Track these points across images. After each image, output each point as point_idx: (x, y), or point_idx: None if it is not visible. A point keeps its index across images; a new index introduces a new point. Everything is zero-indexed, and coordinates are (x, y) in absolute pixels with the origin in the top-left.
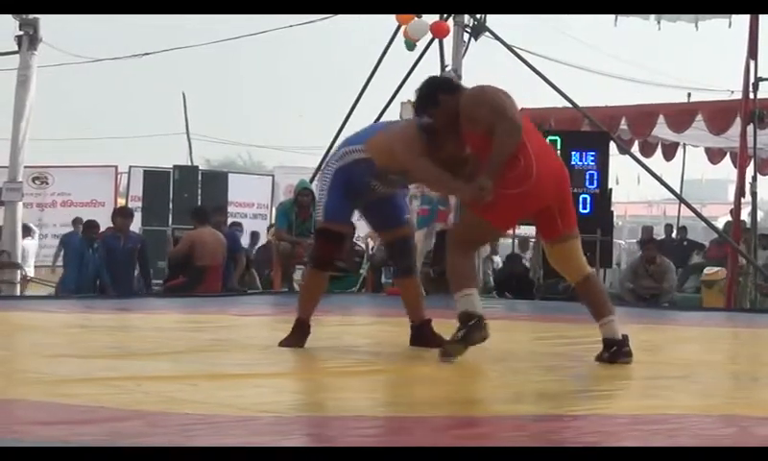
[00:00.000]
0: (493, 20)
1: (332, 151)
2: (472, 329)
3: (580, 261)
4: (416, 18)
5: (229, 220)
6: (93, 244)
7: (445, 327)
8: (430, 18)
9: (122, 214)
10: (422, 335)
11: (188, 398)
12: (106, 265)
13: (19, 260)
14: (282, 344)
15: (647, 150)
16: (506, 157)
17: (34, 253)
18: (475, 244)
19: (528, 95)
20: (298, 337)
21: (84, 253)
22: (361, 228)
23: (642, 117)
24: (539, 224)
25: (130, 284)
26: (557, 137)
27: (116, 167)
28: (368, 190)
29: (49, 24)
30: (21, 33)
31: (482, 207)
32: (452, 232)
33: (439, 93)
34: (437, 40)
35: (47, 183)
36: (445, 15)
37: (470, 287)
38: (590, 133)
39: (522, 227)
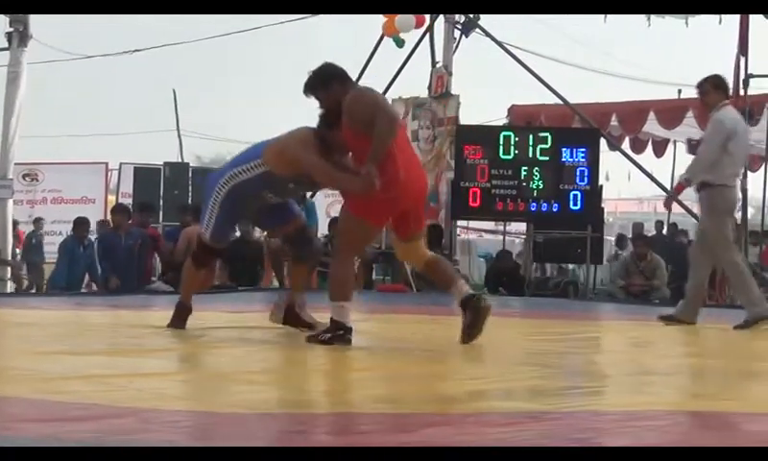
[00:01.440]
0: (484, 17)
1: (218, 170)
2: (338, 338)
3: (421, 251)
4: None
5: None
6: (84, 241)
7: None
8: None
9: (119, 212)
10: (291, 316)
11: (180, 395)
12: (107, 262)
13: (9, 257)
14: (169, 325)
15: (638, 146)
16: (385, 148)
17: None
18: (360, 247)
19: (519, 91)
20: (181, 319)
21: (74, 250)
22: None
23: (633, 114)
24: (396, 224)
25: (132, 281)
26: (547, 134)
27: (107, 164)
28: (260, 201)
29: (39, 21)
30: (11, 29)
31: (361, 210)
32: (337, 241)
33: (334, 80)
34: (427, 37)
35: (37, 181)
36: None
37: (347, 300)
38: (581, 129)
39: (513, 224)
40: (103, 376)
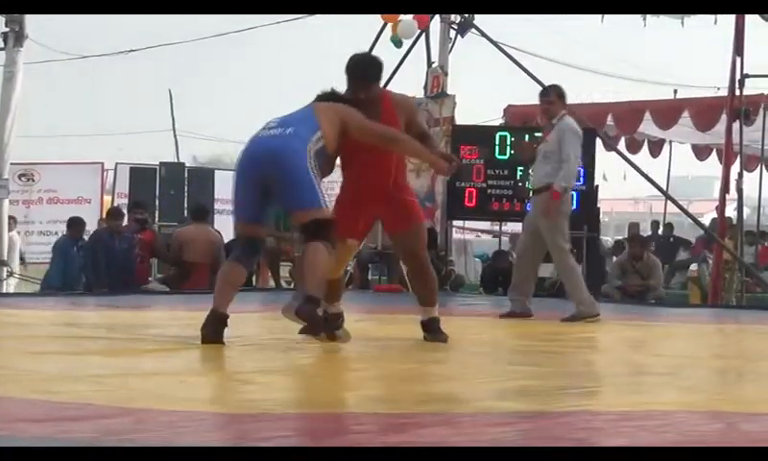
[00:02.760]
0: (480, 17)
1: (287, 128)
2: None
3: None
4: (402, 18)
5: (215, 217)
6: (78, 242)
7: (418, 321)
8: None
9: (113, 216)
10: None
11: (176, 394)
12: (103, 263)
13: (5, 257)
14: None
15: (633, 146)
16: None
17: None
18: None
19: (514, 92)
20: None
21: (68, 250)
22: None
23: (629, 114)
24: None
25: (128, 282)
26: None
27: (102, 164)
28: None
29: (35, 21)
30: (7, 29)
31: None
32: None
33: (380, 76)
34: (423, 37)
35: (33, 180)
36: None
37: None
38: None
39: (509, 224)
40: (98, 376)
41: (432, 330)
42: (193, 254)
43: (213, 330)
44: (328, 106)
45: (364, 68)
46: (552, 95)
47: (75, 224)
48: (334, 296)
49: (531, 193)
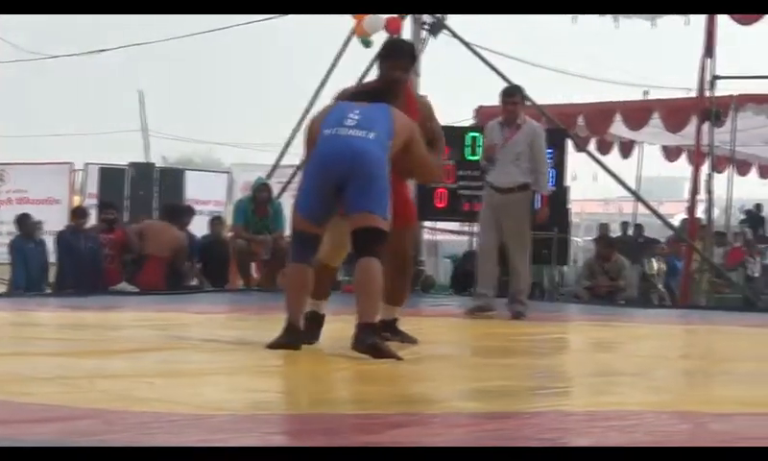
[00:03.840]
0: (452, 18)
1: (370, 132)
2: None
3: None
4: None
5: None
6: (35, 237)
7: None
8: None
9: (77, 216)
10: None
11: (145, 396)
12: (67, 263)
13: None
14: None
15: (604, 147)
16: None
17: None
18: None
19: (485, 92)
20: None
21: (23, 248)
22: None
23: (599, 115)
24: None
25: (97, 283)
26: None
27: (72, 164)
28: None
29: (4, 21)
30: None
31: None
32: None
33: (414, 63)
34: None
35: (2, 181)
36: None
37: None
38: (547, 130)
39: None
40: (66, 377)
41: (397, 331)
42: (153, 247)
43: (291, 340)
44: (406, 119)
45: (407, 49)
46: (518, 96)
47: (22, 221)
48: (325, 293)
49: (493, 190)
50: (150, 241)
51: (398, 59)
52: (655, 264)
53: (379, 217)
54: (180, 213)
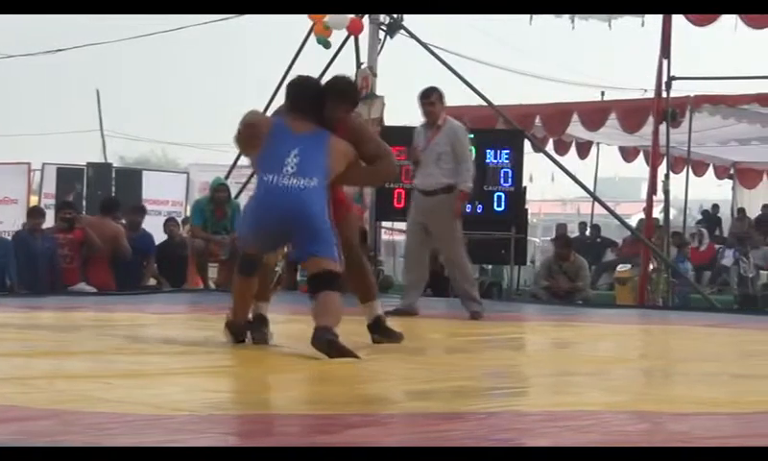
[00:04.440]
0: (409, 18)
1: (311, 179)
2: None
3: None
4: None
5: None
6: None
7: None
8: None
9: (33, 215)
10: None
11: (103, 396)
12: (23, 264)
13: None
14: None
15: (561, 148)
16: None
17: None
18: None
19: (443, 93)
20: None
21: None
22: None
23: (556, 115)
24: None
25: (54, 283)
26: (471, 135)
27: (29, 164)
28: None
29: None
30: None
31: None
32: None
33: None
34: (352, 38)
35: None
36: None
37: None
38: (505, 131)
39: None
40: (22, 377)
41: (381, 331)
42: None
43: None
44: (343, 146)
45: (353, 94)
46: (433, 96)
47: None
48: (266, 295)
49: (419, 194)
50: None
51: (345, 101)
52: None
53: (329, 259)
54: (113, 206)
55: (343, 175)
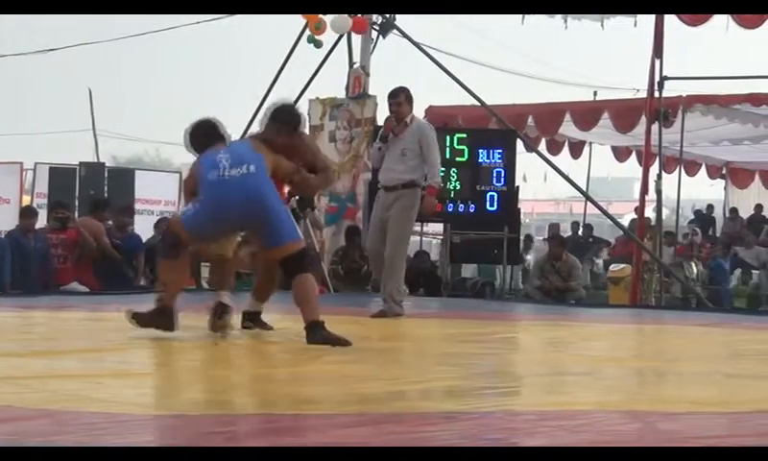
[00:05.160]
0: (402, 18)
1: (249, 165)
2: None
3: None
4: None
5: (136, 217)
6: None
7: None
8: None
9: (25, 215)
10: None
11: (95, 396)
12: (16, 264)
13: None
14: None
15: (554, 148)
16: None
17: None
18: None
19: (436, 93)
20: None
21: None
22: None
23: (549, 115)
24: None
25: (47, 283)
26: (464, 135)
27: (21, 164)
28: None
29: None
30: None
31: None
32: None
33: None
34: (345, 38)
35: None
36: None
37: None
38: (498, 130)
39: (431, 224)
40: (16, 377)
41: (259, 322)
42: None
43: (166, 321)
44: (262, 144)
45: (292, 117)
46: (401, 97)
47: None
48: (228, 284)
49: (382, 190)
50: None
51: (286, 124)
52: (694, 267)
53: (292, 242)
54: (101, 206)
55: (300, 183)
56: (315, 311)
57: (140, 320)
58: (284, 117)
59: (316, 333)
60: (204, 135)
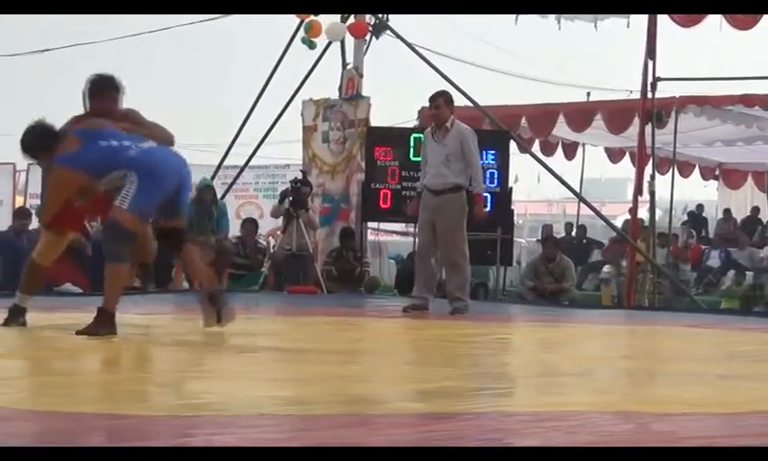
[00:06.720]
0: (395, 18)
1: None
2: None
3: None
4: (330, 22)
5: None
6: None
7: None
8: (330, 18)
9: (18, 216)
10: None
11: (86, 394)
12: (9, 264)
13: None
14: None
15: (547, 149)
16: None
17: None
18: None
19: (428, 94)
20: None
21: None
22: (263, 226)
23: (542, 116)
24: None
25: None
26: None
27: (14, 164)
28: None
29: None
30: None
31: None
32: None
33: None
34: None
35: None
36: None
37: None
38: (491, 131)
39: None
40: (4, 378)
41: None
42: None
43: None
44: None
45: (119, 83)
46: (439, 100)
47: None
48: (36, 289)
49: (428, 193)
50: None
51: (120, 91)
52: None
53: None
54: None
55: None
56: (213, 277)
57: (87, 333)
58: (114, 84)
59: (224, 300)
60: (48, 134)
